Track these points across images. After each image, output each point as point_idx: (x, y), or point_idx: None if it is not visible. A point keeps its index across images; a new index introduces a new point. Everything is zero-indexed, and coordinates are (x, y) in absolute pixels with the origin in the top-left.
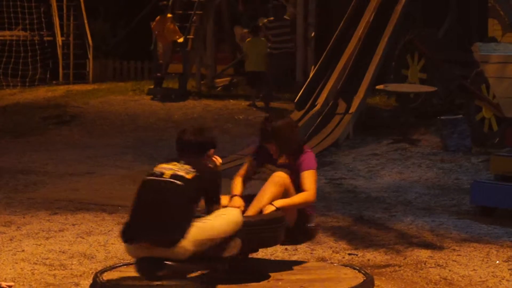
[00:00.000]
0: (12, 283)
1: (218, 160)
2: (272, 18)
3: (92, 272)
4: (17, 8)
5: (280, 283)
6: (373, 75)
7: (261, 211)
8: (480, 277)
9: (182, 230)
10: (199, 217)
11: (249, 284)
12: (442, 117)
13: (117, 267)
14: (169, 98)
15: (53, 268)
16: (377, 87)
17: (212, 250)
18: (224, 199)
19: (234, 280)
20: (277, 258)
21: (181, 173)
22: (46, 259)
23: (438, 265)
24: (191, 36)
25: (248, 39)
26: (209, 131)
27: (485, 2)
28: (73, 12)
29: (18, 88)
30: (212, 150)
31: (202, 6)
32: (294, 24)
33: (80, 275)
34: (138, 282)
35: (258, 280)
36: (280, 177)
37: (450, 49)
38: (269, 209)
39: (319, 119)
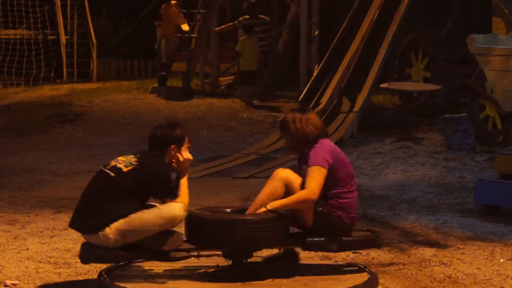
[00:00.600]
0: (16, 282)
1: (182, 156)
2: (247, 16)
3: (96, 271)
4: (21, 7)
5: (284, 281)
6: (376, 73)
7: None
8: (485, 275)
9: (104, 219)
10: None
11: (253, 282)
12: (445, 116)
13: (121, 265)
14: (173, 97)
15: (58, 266)
16: (381, 85)
17: (146, 241)
18: None
19: (238, 279)
20: None
21: (120, 165)
22: (51, 257)
23: (443, 263)
24: (195, 35)
25: (243, 38)
26: (181, 127)
27: (489, 0)
28: (77, 11)
29: (22, 86)
30: (173, 146)
31: (206, 5)
32: (298, 22)
33: (85, 273)
34: (142, 280)
35: (262, 279)
36: (279, 174)
37: (453, 48)
38: (262, 210)
39: (323, 117)
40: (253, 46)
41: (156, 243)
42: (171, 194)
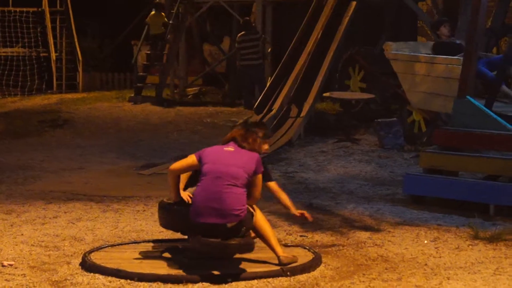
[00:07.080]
0: (12, 262)
1: None
2: (243, 32)
3: (81, 253)
4: (17, 29)
5: (235, 261)
6: (320, 84)
7: None
8: (411, 255)
9: None
10: None
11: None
12: (379, 120)
13: (103, 248)
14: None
15: (48, 249)
16: (324, 94)
17: None
18: None
19: (193, 263)
20: None
21: None
22: (42, 241)
23: (376, 244)
24: (166, 52)
25: (152, 13)
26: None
27: (415, 22)
28: (65, 32)
29: (18, 96)
30: None
31: (175, 27)
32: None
33: (71, 255)
34: (120, 261)
35: (216, 260)
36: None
37: (385, 62)
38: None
39: (275, 121)
40: (158, 18)
41: None
42: None
